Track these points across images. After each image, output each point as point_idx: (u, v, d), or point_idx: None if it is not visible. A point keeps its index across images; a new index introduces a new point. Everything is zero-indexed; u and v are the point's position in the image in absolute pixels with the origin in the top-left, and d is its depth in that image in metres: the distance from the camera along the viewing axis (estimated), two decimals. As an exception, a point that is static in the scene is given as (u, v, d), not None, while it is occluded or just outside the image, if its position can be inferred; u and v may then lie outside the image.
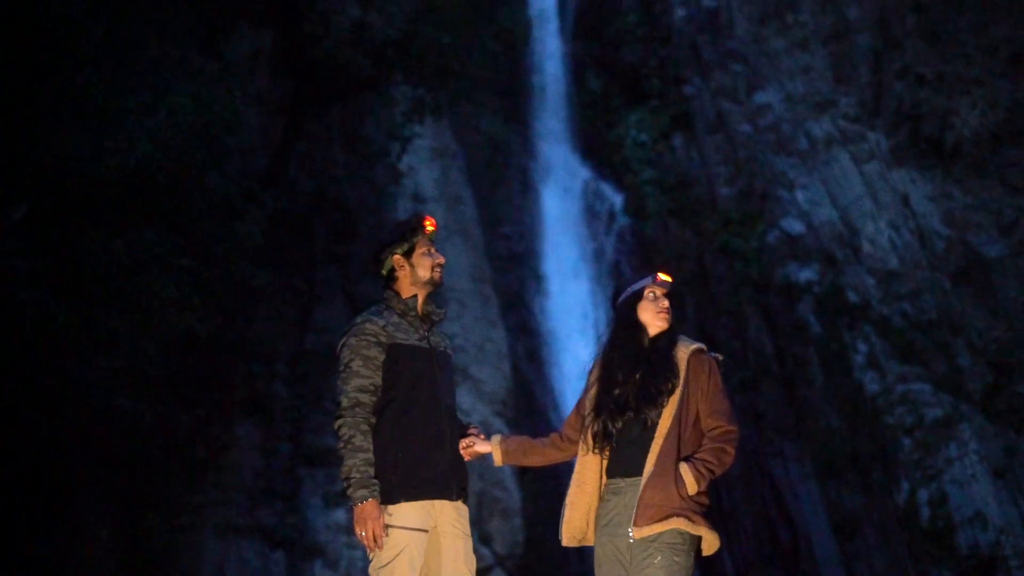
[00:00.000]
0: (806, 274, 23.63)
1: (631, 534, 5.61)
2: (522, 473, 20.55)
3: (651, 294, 5.93)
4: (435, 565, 5.89)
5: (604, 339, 6.03)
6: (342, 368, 5.88)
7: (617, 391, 5.78)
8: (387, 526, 5.71)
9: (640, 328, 5.89)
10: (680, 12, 27.76)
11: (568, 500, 5.87)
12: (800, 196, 24.56)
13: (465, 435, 6.13)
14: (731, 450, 5.77)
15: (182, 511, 16.56)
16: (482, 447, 6.09)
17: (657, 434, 5.69)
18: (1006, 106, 22.99)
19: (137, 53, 13.74)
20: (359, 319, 5.99)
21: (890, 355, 22.17)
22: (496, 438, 6.19)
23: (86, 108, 12.02)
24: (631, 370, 5.79)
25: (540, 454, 6.13)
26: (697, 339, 6.09)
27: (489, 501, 18.81)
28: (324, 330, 19.25)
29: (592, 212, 26.04)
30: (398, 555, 5.71)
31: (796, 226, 24.21)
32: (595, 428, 5.80)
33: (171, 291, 12.56)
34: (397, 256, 6.07)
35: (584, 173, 26.80)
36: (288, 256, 19.32)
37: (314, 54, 18.43)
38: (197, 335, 13.82)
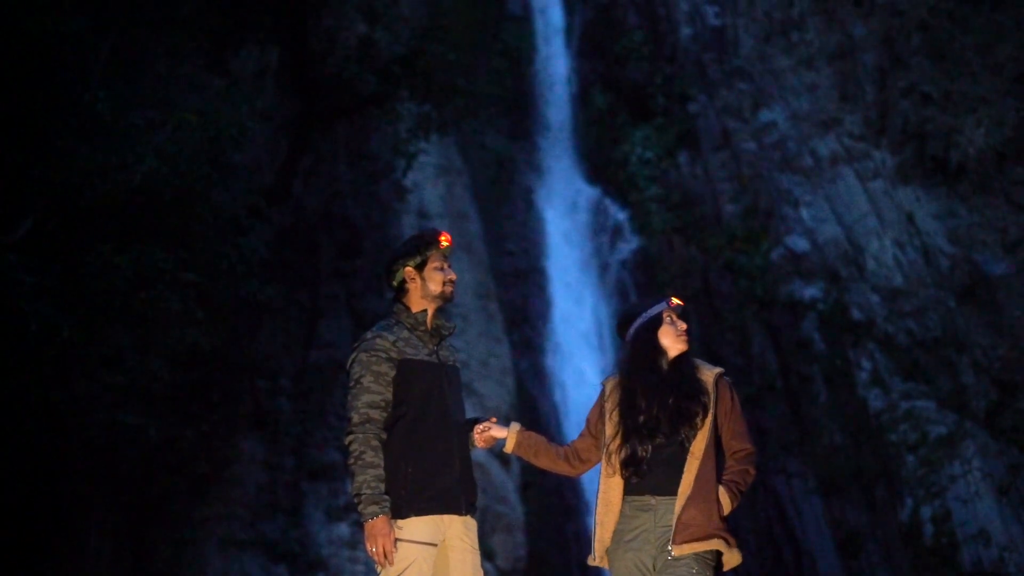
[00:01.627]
0: (811, 291, 23.65)
1: (671, 551, 5.70)
2: (525, 488, 20.57)
3: (668, 318, 6.02)
4: (444, 579, 5.94)
5: (622, 365, 6.08)
6: (352, 384, 5.89)
7: (643, 417, 5.85)
8: (396, 540, 5.75)
9: (661, 352, 5.97)
10: (686, 30, 27.82)
11: (598, 519, 5.94)
12: (805, 214, 24.58)
13: (480, 421, 6.22)
14: (753, 471, 5.96)
15: (186, 525, 16.59)
16: (498, 432, 6.18)
17: (692, 455, 5.80)
18: (1012, 124, 23.00)
19: (144, 69, 13.83)
20: (369, 334, 6.00)
21: (894, 372, 22.17)
22: (515, 426, 6.26)
23: (93, 124, 12.08)
24: (656, 394, 5.87)
25: (550, 460, 6.20)
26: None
27: (492, 516, 18.82)
28: (329, 346, 19.28)
29: (597, 229, 26.06)
30: (407, 568, 5.75)
31: (801, 243, 24.23)
32: (624, 453, 5.87)
33: (176, 306, 12.60)
34: (409, 268, 6.08)
35: (589, 190, 26.83)
36: (293, 272, 19.36)
37: (320, 71, 18.52)
38: (202, 350, 13.86)
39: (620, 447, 5.87)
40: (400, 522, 5.79)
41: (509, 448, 6.24)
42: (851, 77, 25.56)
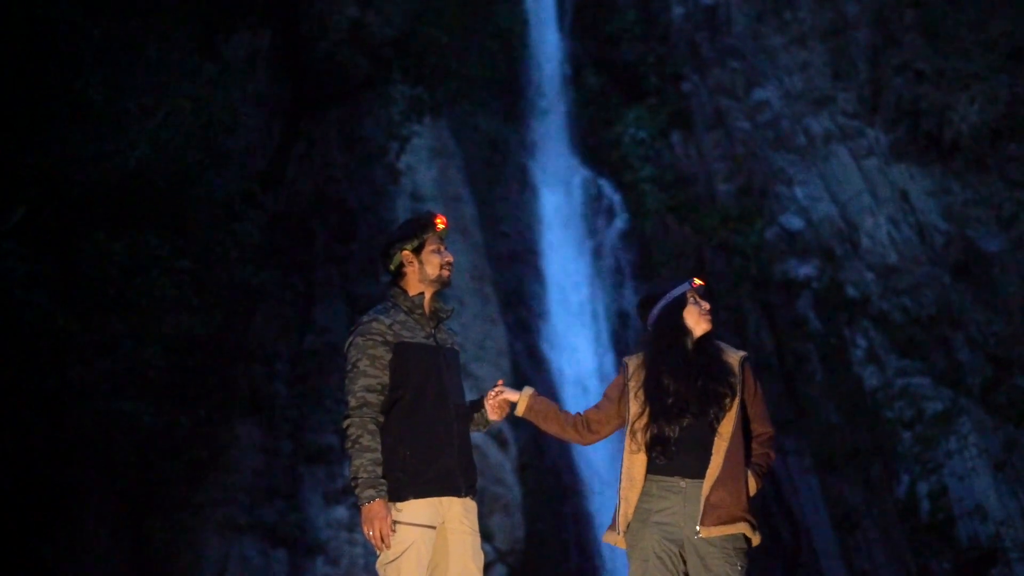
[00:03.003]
0: (805, 270, 23.67)
1: (699, 531, 5.72)
2: (522, 469, 20.58)
3: (692, 298, 6.03)
4: (443, 561, 5.92)
5: (647, 346, 6.07)
6: (349, 368, 5.89)
7: (671, 399, 5.85)
8: (395, 522, 5.75)
9: (686, 332, 5.98)
10: (678, 10, 27.78)
11: (622, 495, 5.94)
12: (799, 192, 24.59)
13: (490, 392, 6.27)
14: (774, 454, 6.05)
15: (183, 511, 16.59)
16: (511, 395, 6.25)
17: (720, 436, 5.81)
18: (1005, 101, 23.00)
19: (136, 55, 13.76)
20: (365, 318, 5.99)
21: (890, 349, 22.21)
22: (528, 390, 6.31)
23: (85, 110, 12.06)
24: (683, 374, 5.88)
25: (559, 426, 6.22)
26: None
27: (490, 497, 18.83)
28: (324, 330, 19.27)
29: (591, 210, 26.06)
30: (406, 551, 5.75)
31: (795, 222, 24.25)
32: (651, 433, 5.87)
33: (171, 292, 12.60)
34: (406, 252, 6.06)
35: (583, 171, 26.81)
36: (287, 256, 19.35)
37: (312, 54, 18.48)
38: (197, 336, 13.87)
39: (647, 427, 5.87)
40: (399, 505, 5.78)
41: (520, 411, 6.26)
42: (844, 55, 25.55)
